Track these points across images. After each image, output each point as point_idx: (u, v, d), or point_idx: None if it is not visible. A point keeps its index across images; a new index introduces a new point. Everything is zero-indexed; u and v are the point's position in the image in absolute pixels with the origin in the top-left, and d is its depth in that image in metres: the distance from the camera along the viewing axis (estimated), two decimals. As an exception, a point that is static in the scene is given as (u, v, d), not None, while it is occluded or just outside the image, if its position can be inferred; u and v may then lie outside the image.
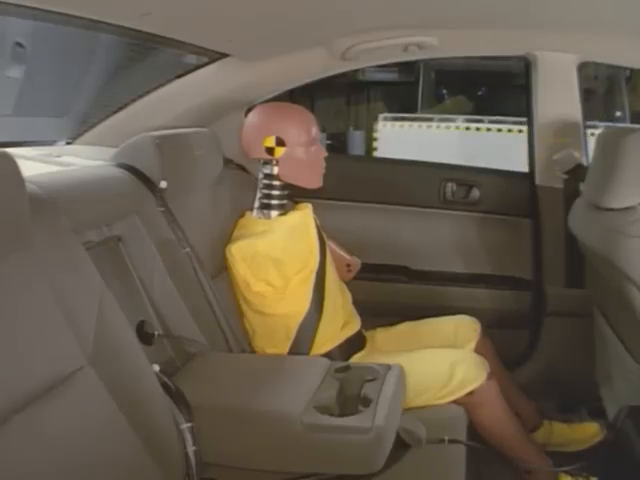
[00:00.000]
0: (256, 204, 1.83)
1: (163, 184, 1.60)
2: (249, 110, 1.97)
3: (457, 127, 7.25)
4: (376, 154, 7.23)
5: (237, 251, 1.73)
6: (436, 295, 2.27)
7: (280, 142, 1.79)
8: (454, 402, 1.65)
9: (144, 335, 1.42)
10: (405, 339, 1.93)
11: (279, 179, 1.81)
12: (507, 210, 2.30)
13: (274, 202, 1.81)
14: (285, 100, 2.23)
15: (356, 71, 4.94)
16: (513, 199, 2.29)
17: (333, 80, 2.33)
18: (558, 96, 2.15)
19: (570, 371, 2.13)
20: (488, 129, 7.00)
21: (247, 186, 1.92)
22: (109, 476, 1.06)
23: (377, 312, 2.07)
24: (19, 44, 2.23)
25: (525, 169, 2.28)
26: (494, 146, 6.42)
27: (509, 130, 6.70)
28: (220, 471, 1.29)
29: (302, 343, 1.74)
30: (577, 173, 2.08)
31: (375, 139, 7.51)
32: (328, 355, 1.70)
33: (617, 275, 1.57)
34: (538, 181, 2.21)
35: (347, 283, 1.99)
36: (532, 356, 2.25)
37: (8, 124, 2.19)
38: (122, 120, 2.05)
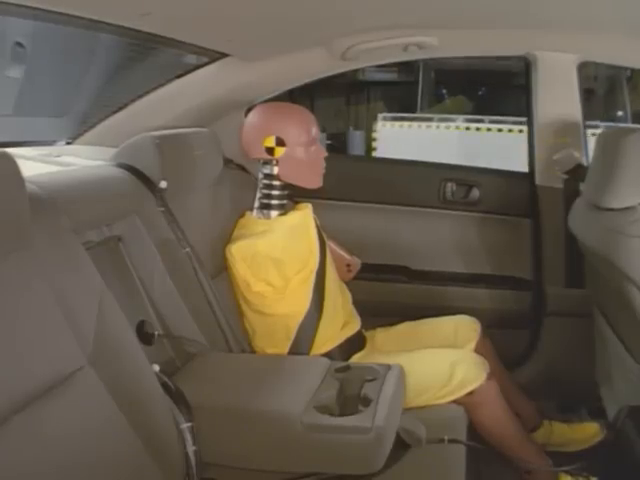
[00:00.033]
0: (256, 204, 1.83)
1: (163, 184, 1.60)
2: (249, 110, 1.97)
3: (457, 127, 7.24)
4: (375, 154, 7.22)
5: (237, 251, 1.73)
6: (436, 295, 2.27)
7: (280, 142, 1.79)
8: (454, 402, 1.65)
9: (144, 335, 1.42)
10: (405, 339, 1.93)
11: (279, 179, 1.81)
12: (507, 210, 2.30)
13: (274, 202, 1.81)
14: (285, 100, 2.23)
15: (356, 71, 4.94)
16: (513, 199, 2.29)
17: (333, 80, 2.33)
18: (558, 96, 2.15)
19: (570, 371, 2.13)
20: (488, 129, 6.99)
21: (247, 186, 1.92)
22: (109, 476, 1.06)
23: (377, 312, 2.07)
24: (19, 44, 2.23)
25: (526, 169, 2.28)
26: (494, 146, 6.42)
27: (509, 130, 6.70)
28: (220, 471, 1.29)
29: (302, 343, 1.74)
30: (577, 173, 2.08)
31: (374, 139, 7.50)
32: (328, 355, 1.70)
33: (617, 275, 1.57)
34: (538, 181, 2.21)
35: (347, 283, 1.99)
36: (532, 356, 2.25)
37: (8, 124, 2.19)
38: (122, 120, 2.05)
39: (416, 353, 1.77)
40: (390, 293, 2.31)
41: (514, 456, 1.70)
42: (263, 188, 1.82)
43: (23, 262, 1.03)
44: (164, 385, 1.26)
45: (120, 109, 2.06)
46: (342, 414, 1.32)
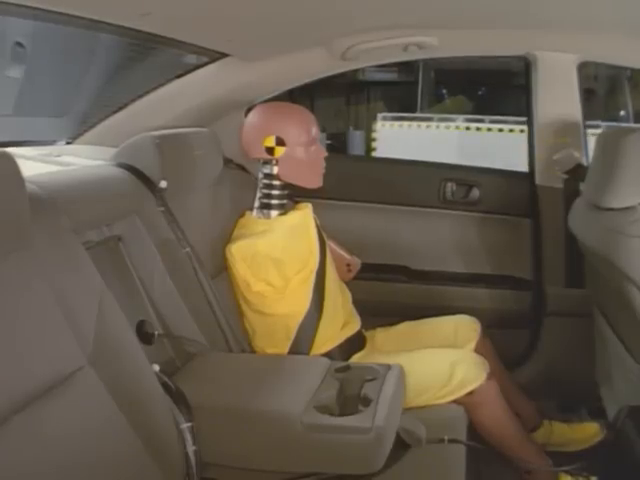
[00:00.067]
0: (256, 204, 1.83)
1: (163, 184, 1.60)
2: (249, 110, 1.97)
3: (457, 127, 7.23)
4: (375, 154, 7.21)
5: (237, 251, 1.73)
6: (436, 295, 2.27)
7: (280, 142, 1.79)
8: (454, 402, 1.65)
9: (144, 335, 1.42)
10: (405, 339, 1.93)
11: (279, 179, 1.81)
12: (507, 210, 2.30)
13: (274, 202, 1.81)
14: (285, 100, 2.23)
15: (356, 71, 4.93)
16: (513, 199, 2.29)
17: (333, 80, 2.33)
18: (558, 96, 2.15)
19: (570, 371, 2.13)
20: (489, 129, 6.98)
21: (247, 186, 1.92)
22: (109, 476, 1.06)
23: (377, 312, 2.07)
24: (19, 44, 2.23)
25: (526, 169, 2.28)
26: (495, 146, 6.40)
27: (510, 130, 6.68)
28: (220, 471, 1.29)
29: (302, 343, 1.74)
30: (577, 173, 2.08)
31: (374, 139, 7.48)
32: (328, 355, 1.70)
33: (617, 275, 1.57)
34: (538, 181, 2.21)
35: (347, 283, 1.99)
36: (532, 356, 2.25)
37: (8, 124, 2.19)
38: (122, 120, 2.05)
39: (416, 353, 1.77)
40: (390, 293, 2.30)
41: (514, 456, 1.70)
42: (263, 188, 1.82)
43: (23, 262, 1.03)
44: (164, 385, 1.26)
45: (120, 109, 2.06)
46: (342, 414, 1.32)
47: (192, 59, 2.09)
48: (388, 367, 1.46)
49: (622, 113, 7.37)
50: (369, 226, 2.33)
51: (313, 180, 1.88)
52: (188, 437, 1.24)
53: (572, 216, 1.91)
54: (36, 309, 1.03)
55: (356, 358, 1.80)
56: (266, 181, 1.81)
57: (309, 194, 1.90)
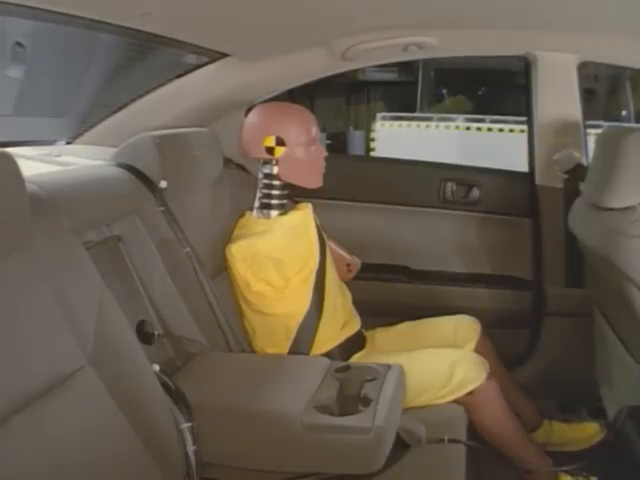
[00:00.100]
0: (256, 204, 1.83)
1: (163, 184, 1.60)
2: (249, 110, 1.97)
3: (457, 127, 7.21)
4: (373, 154, 7.20)
5: (237, 251, 1.73)
6: (436, 295, 2.27)
7: (280, 142, 1.79)
8: (454, 402, 1.65)
9: (144, 335, 1.42)
10: (405, 339, 1.93)
11: (279, 179, 1.81)
12: (507, 210, 2.30)
13: (274, 202, 1.81)
14: (285, 100, 2.23)
15: (356, 71, 4.93)
16: (513, 199, 2.29)
17: (333, 80, 2.33)
18: (558, 96, 2.15)
19: (570, 371, 2.13)
20: (489, 129, 6.96)
21: (247, 186, 1.92)
22: (109, 476, 1.06)
23: (377, 312, 2.07)
24: (19, 44, 2.23)
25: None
26: (495, 146, 6.39)
27: (511, 130, 6.66)
28: (220, 471, 1.29)
29: (302, 343, 1.74)
30: (577, 173, 2.08)
31: (372, 139, 7.47)
32: (328, 355, 1.70)
33: (617, 275, 1.57)
34: (538, 181, 2.21)
35: (347, 283, 1.99)
36: (532, 356, 2.25)
37: (8, 124, 2.19)
38: (122, 120, 2.05)
39: (416, 353, 1.77)
40: (390, 293, 2.30)
41: (514, 456, 1.70)
42: (263, 188, 1.82)
43: (23, 262, 1.03)
44: (164, 385, 1.26)
45: (120, 109, 2.06)
46: (342, 414, 1.32)
47: (192, 59, 2.09)
48: (388, 367, 1.46)
49: (624, 113, 7.36)
50: (369, 226, 2.33)
51: (313, 180, 1.88)
52: (188, 437, 1.24)
53: (572, 216, 1.91)
54: (36, 309, 1.03)
55: (356, 358, 1.80)
56: (266, 181, 1.81)
57: (309, 194, 1.90)
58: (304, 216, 1.84)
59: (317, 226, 1.85)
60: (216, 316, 1.64)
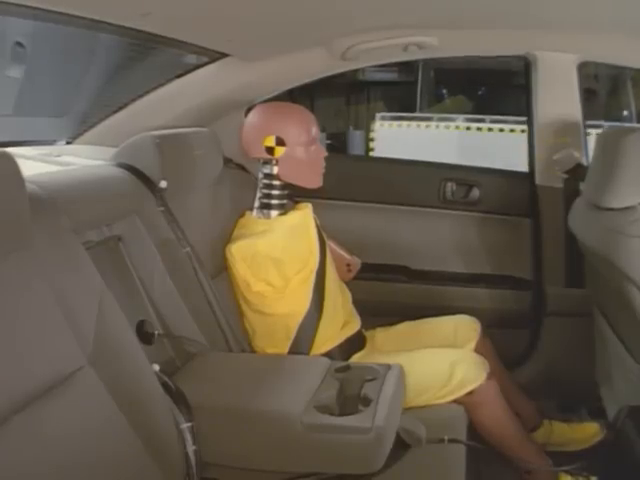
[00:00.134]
0: (256, 204, 1.83)
1: (163, 184, 1.60)
2: (249, 110, 1.97)
3: (457, 127, 7.20)
4: (372, 155, 7.19)
5: (237, 251, 1.73)
6: (436, 295, 2.27)
7: (280, 142, 1.79)
8: (454, 402, 1.65)
9: (144, 335, 1.42)
10: (405, 339, 1.93)
11: (279, 179, 1.81)
12: (507, 210, 2.30)
13: (274, 202, 1.81)
14: (285, 100, 2.23)
15: (356, 71, 4.92)
16: (513, 199, 2.29)
17: (333, 80, 2.33)
18: (558, 96, 2.15)
19: (570, 371, 2.13)
20: (489, 129, 6.95)
21: (247, 186, 1.92)
22: (109, 476, 1.06)
23: (377, 312, 2.07)
24: (19, 44, 2.23)
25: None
26: (495, 146, 6.37)
27: (511, 130, 6.65)
28: (220, 471, 1.29)
29: (302, 343, 1.74)
30: (577, 173, 2.08)
31: (371, 139, 7.46)
32: (328, 355, 1.70)
33: (617, 275, 1.57)
34: (538, 181, 2.21)
35: (347, 283, 1.99)
36: (532, 356, 2.25)
37: (8, 124, 2.19)
38: (122, 120, 2.05)
39: (416, 353, 1.77)
40: (390, 293, 2.30)
41: (514, 456, 1.70)
42: (263, 188, 1.82)
43: (23, 262, 1.03)
44: (164, 385, 1.26)
45: (120, 109, 2.06)
46: (342, 414, 1.32)
47: (192, 59, 2.09)
48: (388, 367, 1.46)
49: (625, 113, 7.35)
50: (369, 226, 2.33)
51: (313, 180, 1.88)
52: (188, 437, 1.24)
53: (572, 216, 1.91)
54: (36, 309, 1.03)
55: (356, 358, 1.80)
56: (266, 181, 1.81)
57: (309, 194, 1.90)
58: (304, 216, 1.84)
59: (317, 226, 1.85)
60: (216, 316, 1.64)
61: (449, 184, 2.32)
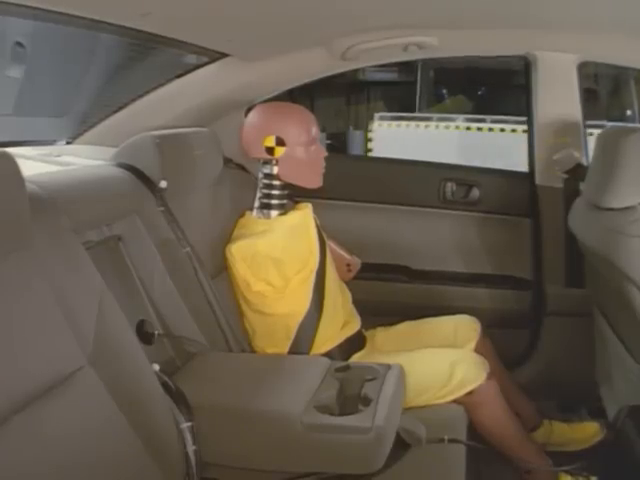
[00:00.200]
0: (256, 204, 1.83)
1: (163, 184, 1.60)
2: (249, 110, 1.97)
3: (457, 127, 7.18)
4: (371, 155, 7.18)
5: (237, 251, 1.73)
6: (436, 295, 2.27)
7: (280, 142, 1.79)
8: (454, 402, 1.65)
9: (144, 334, 1.42)
10: (405, 339, 1.93)
11: (279, 179, 1.81)
12: (507, 210, 2.30)
13: (274, 202, 1.81)
14: (285, 100, 2.23)
15: (356, 71, 4.93)
16: (513, 199, 2.29)
17: (333, 80, 2.33)
18: (558, 96, 2.15)
19: (570, 371, 2.13)
20: (490, 129, 6.94)
21: (247, 186, 1.92)
22: (109, 476, 1.06)
23: (377, 312, 2.07)
24: (19, 44, 2.23)
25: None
26: (495, 146, 6.36)
27: (512, 130, 6.63)
28: (220, 471, 1.29)
29: (302, 343, 1.74)
30: (577, 173, 2.08)
31: (370, 139, 7.44)
32: (328, 355, 1.70)
33: (617, 275, 1.57)
34: (538, 181, 2.21)
35: (347, 283, 1.99)
36: (532, 356, 2.25)
37: (8, 124, 2.19)
38: (122, 120, 2.05)
39: (416, 353, 1.77)
40: (390, 293, 2.30)
41: (514, 456, 1.70)
42: (263, 188, 1.82)
43: (23, 262, 1.03)
44: (164, 385, 1.26)
45: (120, 109, 2.06)
46: (342, 414, 1.32)
47: (192, 59, 2.09)
48: (388, 367, 1.46)
49: (629, 113, 7.33)
50: (369, 226, 2.33)
51: (313, 180, 1.88)
52: (188, 437, 1.24)
53: (572, 216, 1.91)
54: (36, 309, 1.03)
55: (356, 358, 1.80)
56: (266, 181, 1.81)
57: (309, 194, 1.90)
58: (304, 216, 1.84)
59: (317, 226, 1.85)
60: (216, 316, 1.64)
61: (449, 184, 2.32)
